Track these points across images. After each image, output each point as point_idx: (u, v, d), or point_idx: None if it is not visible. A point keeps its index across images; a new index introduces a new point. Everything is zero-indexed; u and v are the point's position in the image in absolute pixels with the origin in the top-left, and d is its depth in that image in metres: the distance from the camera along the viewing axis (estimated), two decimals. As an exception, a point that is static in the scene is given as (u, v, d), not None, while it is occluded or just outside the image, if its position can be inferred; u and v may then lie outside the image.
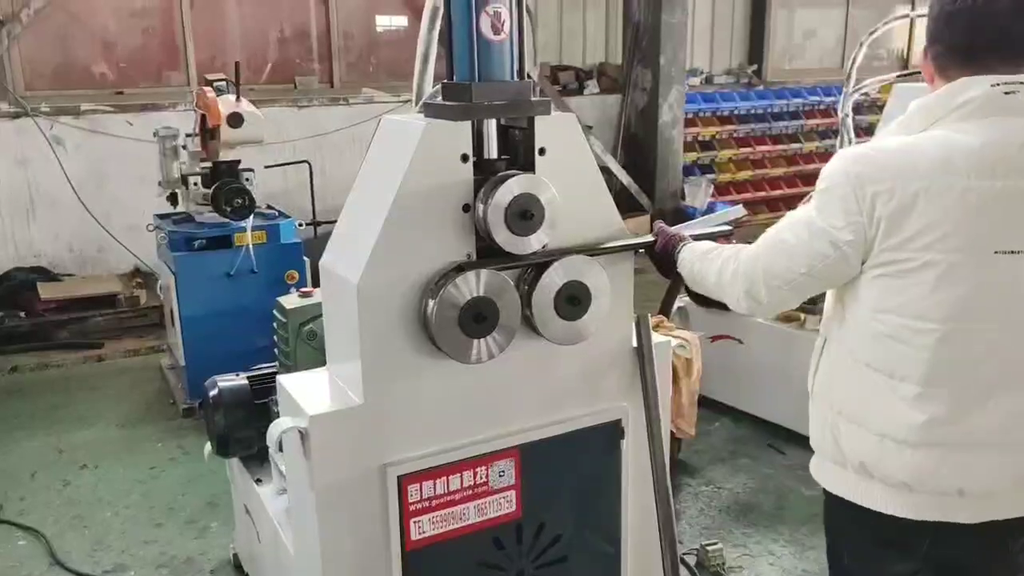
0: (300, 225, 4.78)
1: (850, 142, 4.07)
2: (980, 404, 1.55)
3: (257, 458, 2.68)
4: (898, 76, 4.00)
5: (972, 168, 1.49)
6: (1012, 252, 1.50)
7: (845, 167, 1.58)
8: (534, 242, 1.86)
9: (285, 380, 2.05)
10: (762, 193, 9.21)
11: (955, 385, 1.55)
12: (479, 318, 1.83)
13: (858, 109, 6.44)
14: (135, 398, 4.79)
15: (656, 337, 2.16)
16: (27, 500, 3.70)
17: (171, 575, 3.16)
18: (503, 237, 1.82)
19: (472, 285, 1.82)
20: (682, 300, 4.37)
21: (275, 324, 2.70)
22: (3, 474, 3.92)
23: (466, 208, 1.84)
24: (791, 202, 7.70)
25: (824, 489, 1.79)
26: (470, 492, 1.96)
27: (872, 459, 1.63)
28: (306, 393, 1.95)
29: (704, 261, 1.89)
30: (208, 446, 2.70)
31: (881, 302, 1.58)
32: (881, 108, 4.26)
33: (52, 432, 4.34)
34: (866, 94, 4.35)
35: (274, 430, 1.90)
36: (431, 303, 1.80)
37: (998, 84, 1.53)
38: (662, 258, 2.05)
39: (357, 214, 1.98)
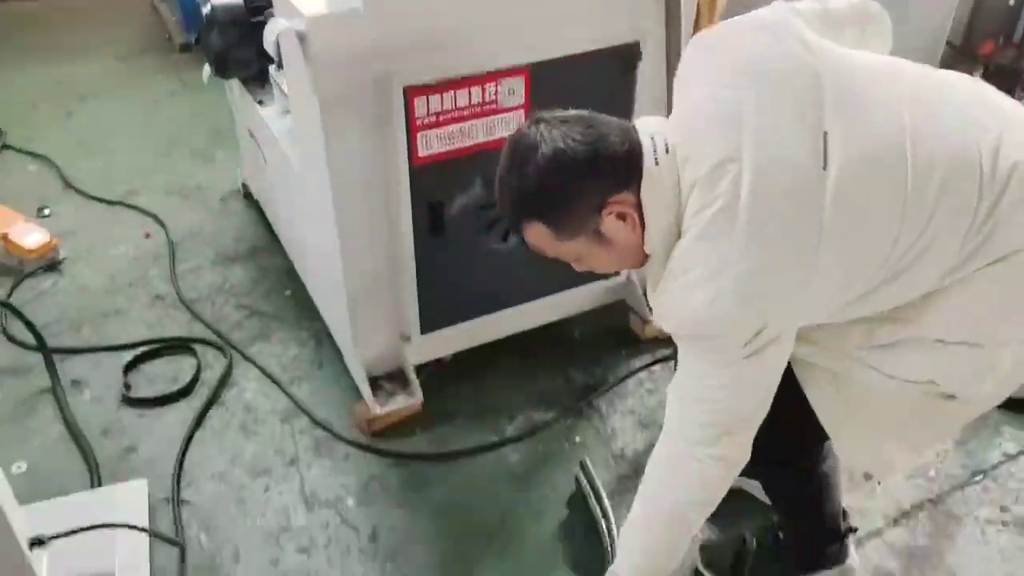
0: None
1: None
2: None
3: (258, 80, 2.59)
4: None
5: None
6: None
7: None
8: None
9: (280, -16, 1.90)
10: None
11: None
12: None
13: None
14: (128, 32, 4.60)
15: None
16: (31, 129, 3.67)
17: (182, 200, 3.21)
18: None
19: None
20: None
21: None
22: (1, 104, 3.86)
23: None
24: None
25: None
26: (479, 109, 1.90)
27: None
28: (303, -1, 1.81)
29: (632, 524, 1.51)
30: (207, 68, 2.59)
31: None
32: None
33: (47, 65, 4.21)
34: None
35: (270, 34, 1.80)
36: None
37: None
38: None
39: None
